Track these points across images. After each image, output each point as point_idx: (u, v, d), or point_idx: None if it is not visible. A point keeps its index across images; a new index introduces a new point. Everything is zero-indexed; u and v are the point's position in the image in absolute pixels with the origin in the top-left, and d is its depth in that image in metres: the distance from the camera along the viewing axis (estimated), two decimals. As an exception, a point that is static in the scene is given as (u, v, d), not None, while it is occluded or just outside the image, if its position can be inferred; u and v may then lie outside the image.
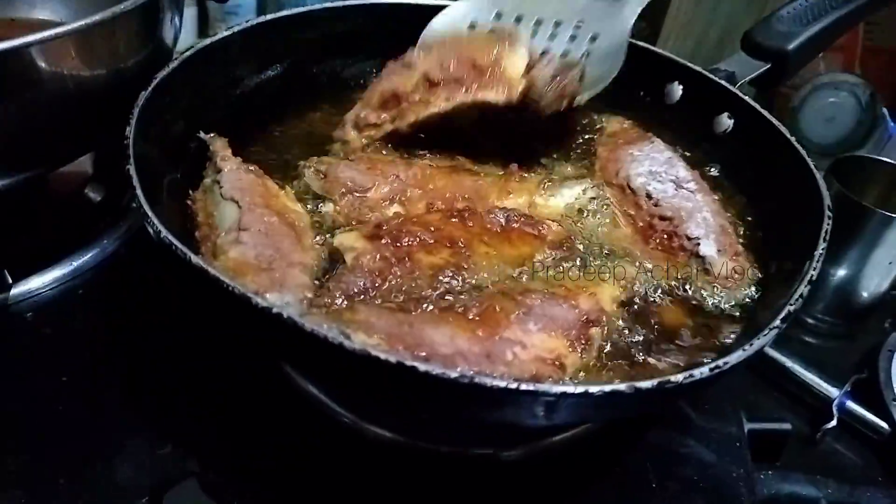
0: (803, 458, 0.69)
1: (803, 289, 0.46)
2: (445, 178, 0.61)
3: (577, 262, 0.56)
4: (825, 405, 0.72)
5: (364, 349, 0.37)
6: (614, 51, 0.66)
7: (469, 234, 0.56)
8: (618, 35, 0.67)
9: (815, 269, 0.48)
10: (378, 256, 0.52)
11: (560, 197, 0.62)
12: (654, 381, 0.38)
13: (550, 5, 0.69)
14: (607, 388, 0.37)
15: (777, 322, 0.44)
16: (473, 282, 0.53)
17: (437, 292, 0.52)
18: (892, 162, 0.84)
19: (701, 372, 0.39)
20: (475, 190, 0.61)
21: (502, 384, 0.36)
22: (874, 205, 0.76)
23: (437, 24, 0.69)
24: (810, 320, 0.83)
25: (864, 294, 0.80)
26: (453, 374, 0.37)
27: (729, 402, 0.64)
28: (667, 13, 1.02)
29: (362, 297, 0.50)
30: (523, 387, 0.36)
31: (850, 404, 0.72)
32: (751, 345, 0.41)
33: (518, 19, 0.69)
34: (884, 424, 0.70)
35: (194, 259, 0.42)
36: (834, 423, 0.71)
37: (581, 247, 0.58)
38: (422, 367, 0.37)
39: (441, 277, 0.52)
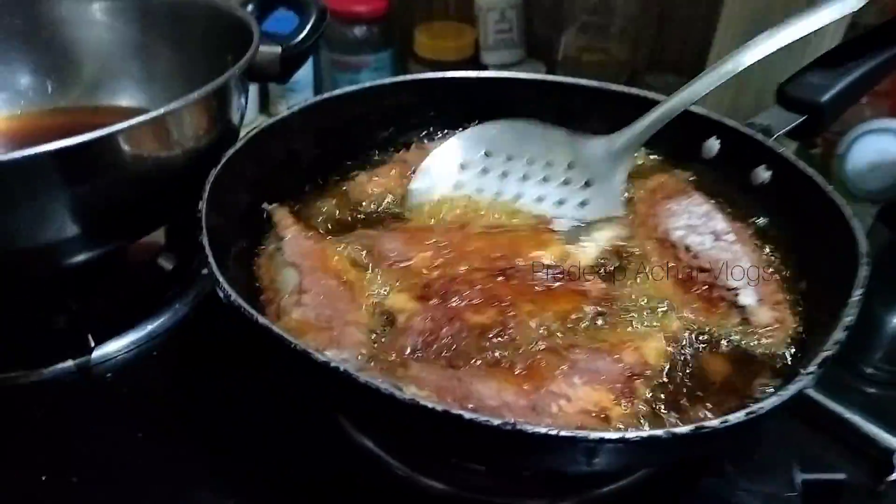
0: (867, 513, 0.68)
1: (840, 335, 0.47)
2: (481, 238, 0.64)
3: (620, 317, 0.58)
4: (887, 456, 0.69)
5: (413, 399, 0.40)
6: (611, 196, 0.69)
7: (514, 293, 0.58)
8: (610, 186, 0.69)
9: (851, 315, 0.49)
10: (429, 317, 0.55)
11: (592, 242, 0.65)
12: (691, 427, 0.39)
13: (542, 146, 0.70)
14: (644, 433, 0.39)
15: (812, 368, 0.44)
16: (518, 339, 0.55)
17: (485, 350, 0.54)
18: None
19: (736, 417, 0.40)
20: (510, 246, 0.63)
21: (543, 430, 0.38)
22: None
23: (431, 163, 0.71)
24: (869, 370, 0.80)
25: None
26: (497, 422, 0.39)
27: (783, 453, 0.64)
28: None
29: (414, 356, 0.53)
30: (563, 433, 0.39)
31: None
32: (786, 390, 0.43)
33: (509, 158, 0.71)
34: None
35: (261, 319, 0.46)
36: None
37: (624, 301, 0.60)
38: (467, 415, 0.39)
39: (488, 335, 0.55)
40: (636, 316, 0.59)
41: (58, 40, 0.85)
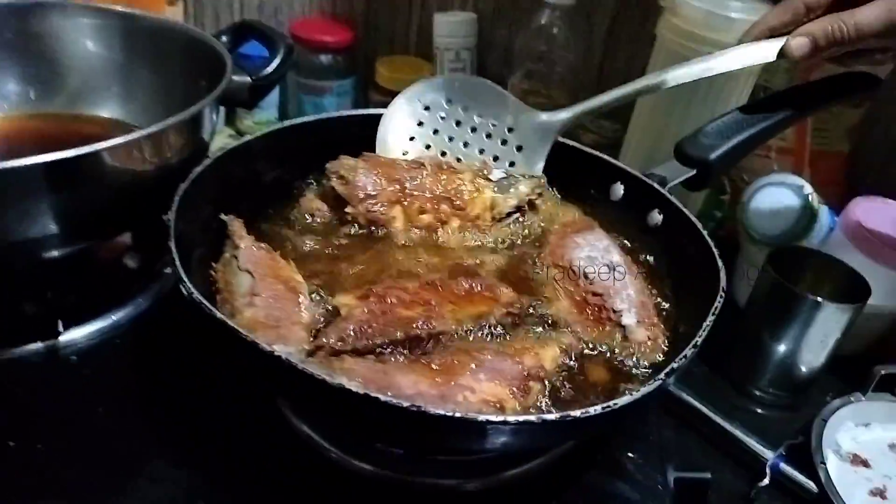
0: (740, 514, 0.79)
1: (689, 351, 0.58)
2: (433, 179, 0.80)
3: (525, 328, 0.69)
4: (760, 465, 0.81)
5: (340, 384, 0.50)
6: (533, 165, 0.85)
7: (440, 297, 0.67)
8: (536, 155, 0.85)
9: (700, 336, 0.60)
10: (367, 310, 0.64)
11: (514, 193, 0.81)
12: (557, 415, 0.50)
13: (492, 106, 0.85)
14: (521, 417, 0.50)
15: (661, 376, 0.55)
16: (440, 329, 0.64)
17: (410, 344, 0.63)
18: (822, 252, 0.95)
19: (595, 409, 0.51)
20: (455, 187, 0.80)
21: (441, 412, 0.48)
22: (807, 290, 0.85)
23: (398, 104, 0.85)
24: (757, 392, 0.92)
25: (803, 368, 0.89)
26: (406, 404, 0.49)
27: (656, 452, 0.75)
28: (630, 119, 1.18)
29: (350, 338, 0.61)
30: (457, 415, 0.49)
31: (784, 466, 0.80)
32: (637, 391, 0.54)
33: (465, 108, 0.85)
34: (812, 485, 0.78)
35: (218, 314, 0.55)
36: (767, 481, 0.79)
37: (528, 310, 0.71)
38: (383, 398, 0.49)
39: (414, 325, 0.64)
40: (538, 328, 0.70)
41: (45, 53, 0.93)
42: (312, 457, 0.69)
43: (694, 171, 0.82)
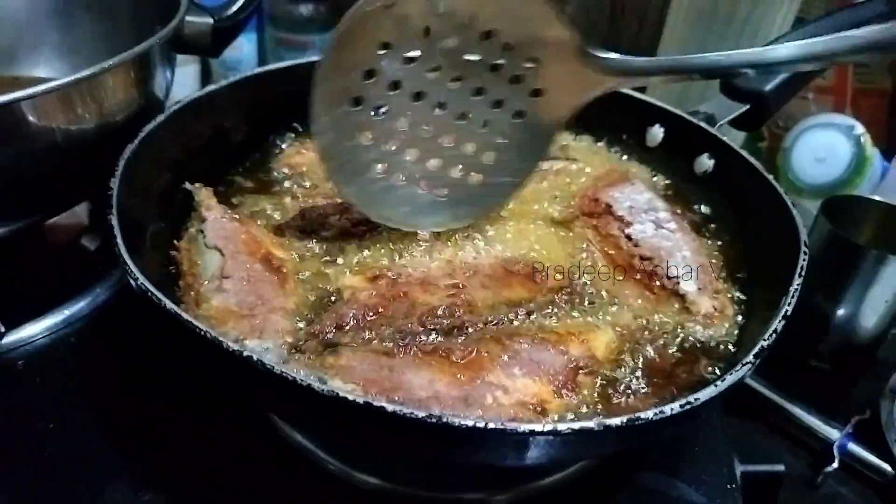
0: (806, 502, 0.68)
1: (778, 324, 0.46)
2: None
3: (571, 309, 0.56)
4: (826, 447, 0.71)
5: (332, 391, 0.38)
6: (547, 132, 0.58)
7: (471, 280, 0.56)
8: (559, 112, 0.56)
9: (789, 304, 0.48)
10: (374, 293, 0.53)
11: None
12: (624, 419, 0.38)
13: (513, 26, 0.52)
14: (576, 426, 0.37)
15: (750, 358, 0.43)
16: (467, 319, 0.53)
17: (425, 332, 0.51)
18: (883, 200, 0.84)
19: (671, 408, 0.39)
20: None
21: (469, 423, 0.36)
22: (867, 244, 0.76)
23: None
24: (812, 362, 0.81)
25: (864, 333, 0.79)
26: (421, 414, 0.37)
27: (722, 444, 0.63)
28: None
29: (349, 325, 0.50)
30: (490, 426, 0.36)
31: (852, 446, 0.71)
32: (722, 380, 0.41)
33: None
34: (887, 466, 0.69)
35: (168, 305, 0.43)
36: (836, 465, 0.70)
37: (577, 294, 0.58)
38: (389, 407, 0.37)
39: (436, 314, 0.52)
40: (587, 308, 0.57)
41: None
42: (307, 470, 0.58)
43: (747, 107, 0.70)
